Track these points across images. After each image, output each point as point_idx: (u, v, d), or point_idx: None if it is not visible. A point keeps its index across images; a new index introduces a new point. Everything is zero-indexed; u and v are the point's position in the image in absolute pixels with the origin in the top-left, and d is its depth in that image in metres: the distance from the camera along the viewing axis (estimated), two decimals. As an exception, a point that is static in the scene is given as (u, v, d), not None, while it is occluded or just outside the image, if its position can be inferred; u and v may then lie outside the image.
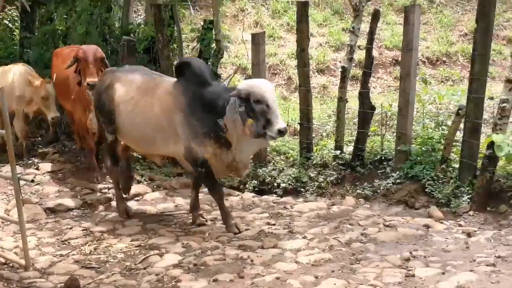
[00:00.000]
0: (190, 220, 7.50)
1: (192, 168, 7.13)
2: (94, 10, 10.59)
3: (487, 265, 5.72)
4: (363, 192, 8.23)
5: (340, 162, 8.71)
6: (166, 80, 7.31)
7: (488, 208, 7.44)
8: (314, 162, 8.89)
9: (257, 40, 9.40)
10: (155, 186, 9.06)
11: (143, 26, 10.82)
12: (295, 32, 10.09)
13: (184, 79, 6.98)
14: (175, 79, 7.16)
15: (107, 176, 8.93)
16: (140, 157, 9.51)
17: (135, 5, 13.81)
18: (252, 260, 6.03)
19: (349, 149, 8.92)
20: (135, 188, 8.65)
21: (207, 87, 6.84)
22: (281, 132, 6.43)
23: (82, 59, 8.26)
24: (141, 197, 8.66)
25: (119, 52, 9.92)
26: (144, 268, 6.11)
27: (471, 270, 5.60)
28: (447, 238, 6.60)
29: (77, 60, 8.34)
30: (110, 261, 6.43)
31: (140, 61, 10.31)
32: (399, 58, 14.35)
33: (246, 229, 7.09)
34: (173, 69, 7.42)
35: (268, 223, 7.29)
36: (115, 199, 8.05)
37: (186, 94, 6.87)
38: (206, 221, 7.50)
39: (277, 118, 6.42)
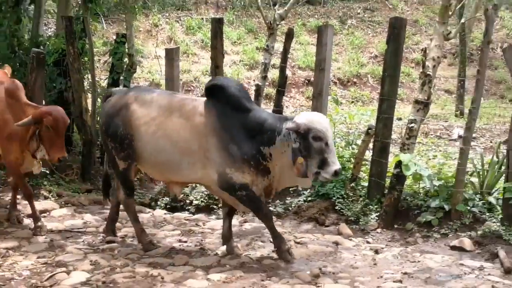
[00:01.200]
0: (100, 237, 7.34)
1: (230, 196, 6.39)
2: (2, 21, 10.30)
3: (394, 281, 5.88)
4: (275, 210, 8.28)
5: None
6: (195, 100, 6.62)
7: (396, 226, 7.63)
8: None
9: (171, 56, 9.37)
10: (63, 203, 8.81)
11: (53, 38, 10.59)
12: (209, 49, 10.11)
13: (217, 101, 6.34)
14: (204, 99, 6.49)
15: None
16: (48, 172, 9.22)
17: (46, 17, 13.55)
18: (162, 278, 5.95)
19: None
20: (42, 204, 8.40)
21: (249, 112, 6.27)
22: (336, 174, 5.94)
23: (51, 127, 6.97)
24: (48, 213, 8.31)
25: (27, 64, 9.65)
26: (51, 286, 5.90)
27: (378, 286, 5.76)
28: (355, 255, 6.72)
29: (38, 122, 7.01)
30: (15, 279, 6.21)
31: (49, 74, 10.10)
32: (312, 78, 14.65)
33: (157, 247, 7.03)
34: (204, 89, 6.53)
35: (180, 240, 7.22)
36: (135, 233, 7.04)
37: (221, 117, 6.27)
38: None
39: (334, 157, 5.95)
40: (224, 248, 6.81)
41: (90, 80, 10.30)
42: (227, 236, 6.75)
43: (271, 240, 6.52)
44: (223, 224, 6.78)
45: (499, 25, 18.79)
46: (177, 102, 6.56)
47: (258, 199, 6.31)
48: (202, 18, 18.09)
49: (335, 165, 5.89)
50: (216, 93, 6.37)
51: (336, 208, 7.99)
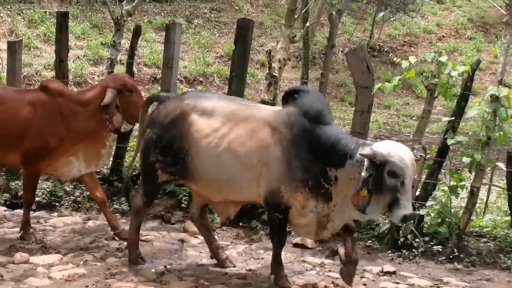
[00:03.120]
0: None
1: (267, 211, 5.74)
2: None
3: (238, 278, 5.99)
4: (120, 207, 8.17)
5: (97, 176, 8.56)
6: (263, 108, 5.91)
7: (241, 224, 7.74)
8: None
9: (14, 48, 9.04)
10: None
11: None
12: (53, 43, 9.84)
13: (292, 110, 5.57)
14: (275, 108, 5.90)
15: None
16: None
17: None
18: (2, 276, 5.75)
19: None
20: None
21: (324, 127, 5.47)
22: (405, 220, 5.16)
23: (134, 89, 6.84)
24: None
25: None
26: None
27: (222, 283, 5.83)
28: (201, 252, 6.77)
29: (119, 91, 6.73)
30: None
31: None
32: (158, 76, 14.61)
33: (-3, 244, 6.79)
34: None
35: (20, 238, 7.00)
36: (127, 242, 6.40)
37: (291, 128, 5.49)
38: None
39: (407, 200, 5.09)
40: (67, 245, 6.66)
41: None
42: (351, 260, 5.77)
43: (272, 266, 5.88)
44: (345, 245, 5.77)
45: (340, 30, 19.50)
46: (243, 110, 5.78)
47: (285, 229, 5.76)
48: (46, 12, 17.55)
49: (406, 210, 5.06)
50: (296, 100, 5.59)
51: (182, 206, 8.00)
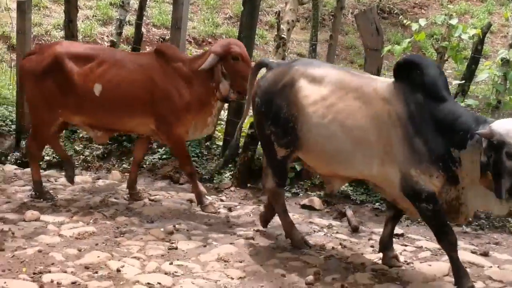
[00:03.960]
0: None
1: (413, 204, 5.15)
2: None
3: (246, 238, 6.05)
4: (129, 167, 8.18)
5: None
6: (377, 80, 5.41)
7: (249, 185, 7.78)
8: (80, 135, 8.69)
9: (23, 8, 8.98)
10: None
11: None
12: (62, 2, 9.81)
13: (407, 83, 5.11)
14: (390, 81, 5.29)
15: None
16: None
17: None
18: (13, 233, 5.84)
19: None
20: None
21: (442, 102, 5.01)
22: None
23: (240, 56, 6.63)
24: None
25: None
26: None
27: (231, 243, 5.88)
28: (209, 213, 6.81)
29: (222, 58, 6.61)
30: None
31: None
32: (166, 37, 14.54)
33: (7, 202, 6.83)
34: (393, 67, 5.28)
35: (31, 196, 7.06)
36: (283, 228, 6.04)
37: (409, 104, 5.04)
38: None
39: None
40: (77, 204, 6.72)
41: None
42: (386, 244, 5.67)
43: (454, 275, 5.09)
44: (384, 229, 5.68)
45: (350, -8, 19.31)
46: (354, 80, 5.35)
47: (445, 218, 5.06)
48: (55, -29, 17.46)
49: None
50: (410, 73, 5.11)
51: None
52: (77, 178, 7.75)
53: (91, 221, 6.32)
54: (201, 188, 6.94)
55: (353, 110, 5.21)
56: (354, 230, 6.52)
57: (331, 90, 5.33)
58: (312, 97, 5.36)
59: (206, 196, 6.97)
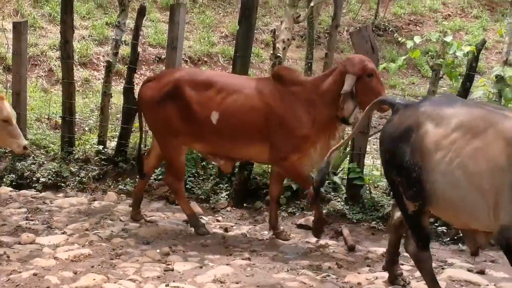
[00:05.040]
0: None
1: (506, 255, 4.64)
2: None
3: (242, 259, 6.01)
4: (125, 188, 8.20)
5: (102, 157, 8.59)
6: (510, 117, 4.61)
7: (245, 205, 7.76)
8: (76, 156, 8.66)
9: (19, 29, 9.02)
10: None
11: None
12: (58, 23, 9.82)
13: None
14: None
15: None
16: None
17: None
18: (8, 256, 5.80)
19: (112, 144, 8.83)
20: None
21: None
22: None
23: (373, 73, 6.33)
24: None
25: None
26: None
27: (227, 264, 5.85)
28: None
29: (359, 77, 6.28)
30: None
31: None
32: (162, 56, 14.56)
33: (3, 224, 6.80)
34: None
35: (26, 218, 7.03)
36: None
37: None
38: None
39: None
40: (73, 226, 6.70)
41: None
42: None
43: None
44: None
45: (345, 9, 19.35)
46: (487, 118, 4.65)
47: None
48: (51, -9, 17.50)
49: None
50: None
51: (187, 186, 7.99)
52: (73, 200, 7.73)
53: (86, 243, 6.29)
54: (322, 212, 6.73)
55: (476, 153, 4.57)
56: (351, 249, 6.49)
57: (458, 131, 4.68)
58: (439, 141, 4.72)
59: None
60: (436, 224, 6.97)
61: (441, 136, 4.70)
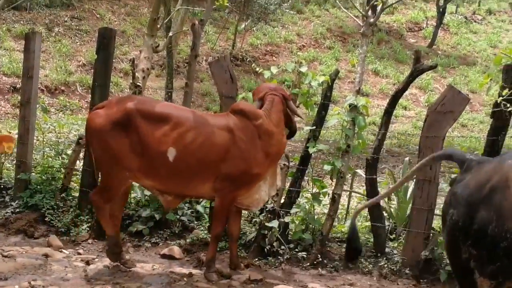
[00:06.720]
0: None
1: None
2: None
3: (106, 292, 5.92)
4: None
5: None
6: None
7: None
8: None
9: None
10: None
11: None
12: None
13: None
14: None
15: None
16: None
17: None
18: None
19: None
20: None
21: None
22: None
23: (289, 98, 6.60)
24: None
25: None
26: None
27: (89, 298, 5.75)
28: (66, 267, 6.64)
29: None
30: None
31: None
32: (18, 85, 14.19)
33: None
34: None
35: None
36: None
37: None
38: None
39: None
40: None
41: None
42: None
43: None
44: None
45: (204, 39, 19.60)
46: None
47: None
48: None
49: None
50: None
51: (46, 219, 7.80)
52: None
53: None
54: (215, 254, 6.62)
55: None
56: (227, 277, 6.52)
57: None
58: None
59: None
60: (296, 250, 7.15)
61: None
